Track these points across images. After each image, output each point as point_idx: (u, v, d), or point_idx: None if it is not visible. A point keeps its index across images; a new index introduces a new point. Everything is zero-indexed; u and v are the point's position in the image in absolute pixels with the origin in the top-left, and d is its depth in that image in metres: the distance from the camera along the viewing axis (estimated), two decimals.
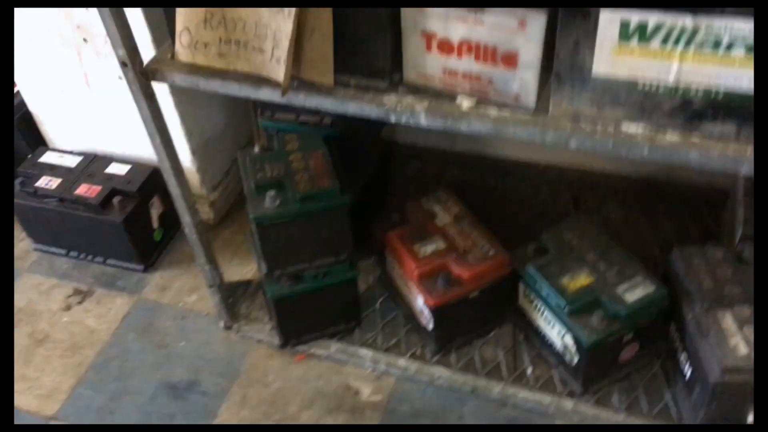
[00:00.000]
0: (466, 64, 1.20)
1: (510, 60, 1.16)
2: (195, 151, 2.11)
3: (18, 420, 1.80)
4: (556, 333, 1.67)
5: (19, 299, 2.11)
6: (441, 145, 2.35)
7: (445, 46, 1.20)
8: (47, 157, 2.17)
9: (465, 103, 1.24)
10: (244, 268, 2.14)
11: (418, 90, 1.28)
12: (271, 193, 1.60)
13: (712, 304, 1.53)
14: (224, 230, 2.27)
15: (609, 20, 1.04)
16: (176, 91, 1.95)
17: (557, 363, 1.73)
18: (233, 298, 1.96)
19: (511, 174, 2.26)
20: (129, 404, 1.82)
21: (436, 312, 1.71)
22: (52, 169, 2.13)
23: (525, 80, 1.17)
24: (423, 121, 1.25)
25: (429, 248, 1.75)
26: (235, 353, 1.92)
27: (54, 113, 2.18)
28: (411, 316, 1.88)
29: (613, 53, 1.07)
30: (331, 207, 1.63)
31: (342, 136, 1.82)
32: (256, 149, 1.77)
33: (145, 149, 2.14)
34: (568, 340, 1.63)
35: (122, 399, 1.83)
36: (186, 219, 1.67)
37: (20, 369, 1.92)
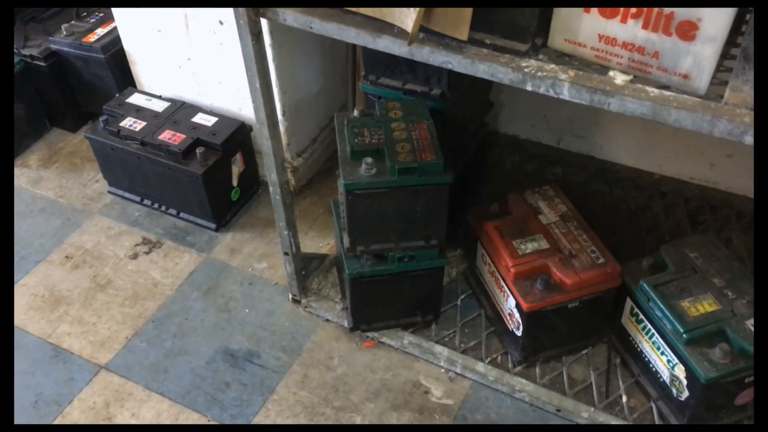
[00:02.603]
0: (629, 30, 1.02)
1: (687, 30, 0.97)
2: (285, 112, 1.99)
3: (69, 364, 1.72)
4: (665, 361, 1.46)
5: (87, 240, 2.04)
6: (545, 140, 2.17)
7: (609, 8, 1.02)
8: (134, 99, 2.09)
9: (619, 77, 1.06)
10: (319, 242, 2.01)
11: (563, 57, 1.11)
12: (368, 160, 1.45)
13: None
14: (303, 200, 2.14)
15: None
16: (276, 43, 1.82)
17: (659, 395, 1.53)
18: (306, 271, 1.83)
19: (621, 181, 2.06)
20: (183, 365, 1.71)
21: (529, 317, 1.53)
22: (138, 111, 2.04)
23: (701, 56, 0.98)
24: (566, 92, 1.08)
25: (530, 246, 1.58)
26: (301, 329, 1.79)
27: (147, 54, 2.10)
28: (496, 318, 1.71)
29: None
30: (432, 184, 1.47)
31: (448, 111, 1.66)
32: (356, 113, 1.62)
33: (234, 103, 2.04)
34: (680, 371, 1.42)
35: (177, 358, 1.73)
36: (273, 177, 1.54)
37: (78, 311, 1.84)
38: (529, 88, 1.10)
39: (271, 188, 1.58)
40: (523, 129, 2.18)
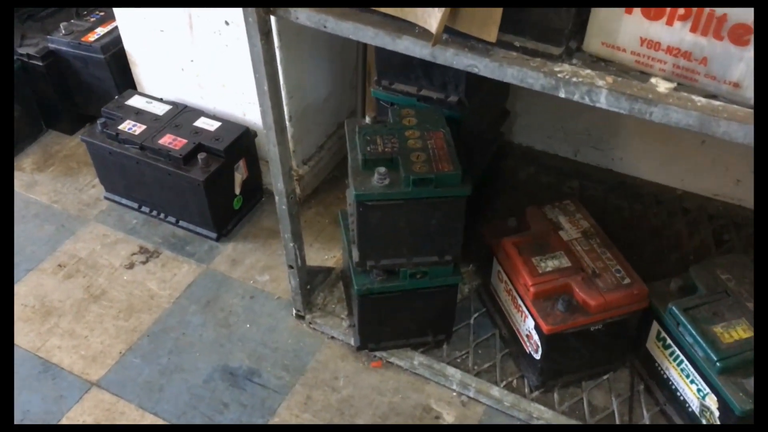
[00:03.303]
0: (676, 33, 0.93)
1: (741, 34, 0.88)
2: (292, 117, 1.90)
3: (59, 380, 1.62)
4: (695, 390, 1.37)
5: (81, 248, 1.94)
6: (562, 152, 2.08)
7: (653, 8, 0.93)
8: (134, 101, 2.00)
9: (662, 84, 0.97)
10: (325, 254, 1.92)
11: (599, 62, 1.02)
12: (381, 170, 1.36)
13: None
14: (308, 210, 2.05)
15: None
16: (284, 45, 1.74)
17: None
18: (310, 286, 1.74)
19: (642, 196, 1.97)
20: (180, 383, 1.61)
21: (549, 340, 1.44)
22: (138, 114, 1.95)
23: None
24: (603, 100, 0.99)
25: (550, 264, 1.48)
26: (304, 347, 1.69)
27: (149, 54, 2.01)
28: (512, 340, 1.61)
29: None
30: (449, 196, 1.38)
31: (465, 119, 1.57)
32: (367, 119, 1.54)
33: (238, 108, 1.96)
34: (711, 402, 1.33)
35: (174, 376, 1.63)
36: (279, 186, 1.45)
37: (69, 324, 1.75)
38: (562, 95, 1.02)
39: (276, 198, 1.48)
40: (539, 140, 2.10)
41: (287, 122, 1.89)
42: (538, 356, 1.49)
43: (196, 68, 1.94)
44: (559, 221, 1.59)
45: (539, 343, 1.47)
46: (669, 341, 1.42)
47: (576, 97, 1.01)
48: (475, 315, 1.72)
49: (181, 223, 1.99)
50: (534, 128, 2.08)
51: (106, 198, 2.08)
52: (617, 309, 1.43)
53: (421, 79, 1.56)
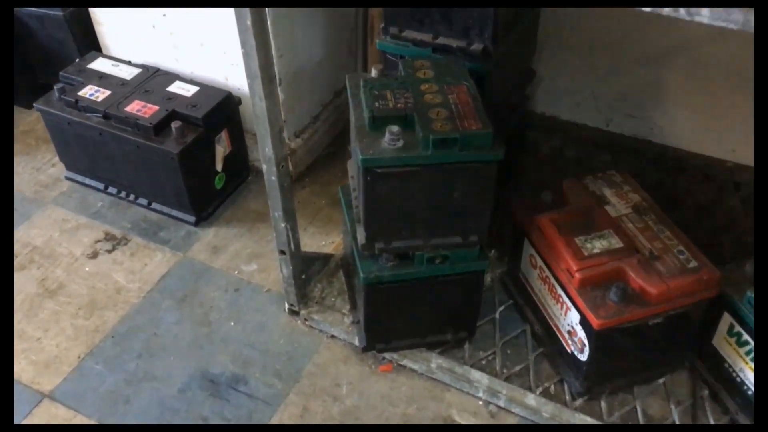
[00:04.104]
0: None
1: None
2: (282, 81, 1.63)
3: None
4: None
5: (36, 235, 1.67)
6: (592, 122, 1.82)
7: None
8: (98, 64, 1.73)
9: None
10: (322, 239, 1.65)
11: None
12: (393, 128, 1.10)
13: None
14: (302, 190, 1.79)
15: None
16: None
17: None
18: (306, 275, 1.47)
19: (686, 170, 1.72)
20: (150, 393, 1.35)
21: (600, 337, 1.18)
22: (101, 79, 1.68)
23: None
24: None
25: (597, 244, 1.23)
26: (299, 348, 1.42)
27: (115, 11, 1.73)
28: (547, 337, 1.36)
29: None
30: (477, 161, 1.12)
31: (490, 74, 1.31)
32: (374, 72, 1.27)
33: (219, 70, 1.69)
34: None
35: (142, 385, 1.36)
36: (267, 152, 1.19)
37: (19, 324, 1.47)
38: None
39: (264, 167, 1.22)
40: (566, 108, 1.83)
41: (277, 86, 1.62)
42: (583, 357, 1.23)
43: (170, 24, 1.66)
44: (603, 194, 1.33)
45: (586, 342, 1.21)
46: (745, 336, 1.17)
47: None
48: (501, 308, 1.46)
49: (154, 205, 1.72)
50: (559, 94, 1.81)
51: (67, 178, 1.80)
52: (682, 298, 1.17)
53: (438, 24, 1.30)
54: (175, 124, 1.55)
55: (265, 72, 1.09)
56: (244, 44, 1.05)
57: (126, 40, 1.78)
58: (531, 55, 1.58)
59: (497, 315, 1.45)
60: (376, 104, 1.15)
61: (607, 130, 1.81)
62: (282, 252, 1.35)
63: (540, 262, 1.31)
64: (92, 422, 1.30)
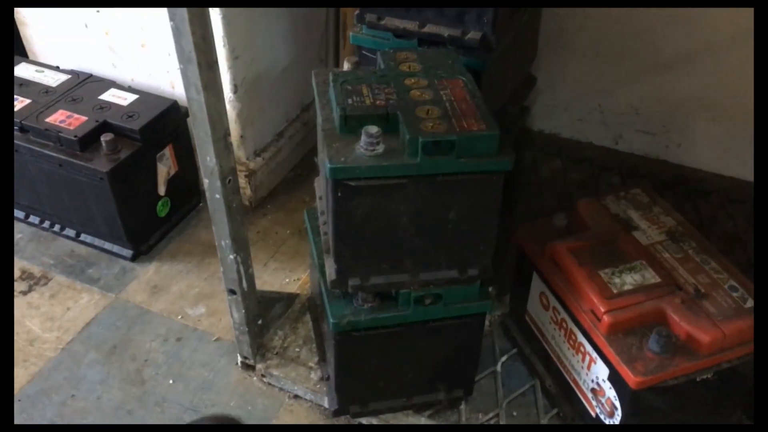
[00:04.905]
0: None
1: None
2: (238, 88, 1.38)
3: None
4: None
5: None
6: (598, 140, 1.60)
7: None
8: (20, 70, 1.47)
9: None
10: (285, 276, 1.38)
11: None
12: (371, 129, 0.84)
13: None
14: (262, 218, 1.52)
15: None
16: None
17: None
18: (264, 321, 1.19)
19: (709, 194, 1.49)
20: None
21: (637, 398, 0.92)
22: (22, 86, 1.42)
23: None
24: None
25: (628, 279, 0.98)
26: (254, 412, 1.14)
27: (44, 14, 1.48)
28: (563, 395, 1.09)
29: None
30: (479, 172, 0.87)
31: (488, 69, 1.07)
32: (346, 66, 1.03)
33: (164, 77, 1.45)
34: None
35: None
36: (209, 161, 0.92)
37: None
38: None
39: (206, 181, 0.95)
40: (567, 124, 1.61)
41: (231, 93, 1.37)
42: (613, 422, 0.97)
43: (105, 22, 1.41)
44: (629, 217, 1.09)
45: (617, 403, 0.95)
46: None
47: None
48: (503, 358, 1.20)
49: (83, 236, 1.44)
50: (560, 108, 1.59)
51: None
52: (740, 347, 0.92)
53: (426, 10, 1.06)
54: (105, 137, 1.28)
55: (203, 54, 0.83)
56: (173, 16, 0.80)
57: (55, 42, 1.52)
58: (532, 57, 1.35)
59: (498, 367, 1.18)
60: (349, 101, 0.90)
61: (615, 149, 1.59)
62: (231, 291, 1.08)
63: (554, 302, 1.05)
64: None
